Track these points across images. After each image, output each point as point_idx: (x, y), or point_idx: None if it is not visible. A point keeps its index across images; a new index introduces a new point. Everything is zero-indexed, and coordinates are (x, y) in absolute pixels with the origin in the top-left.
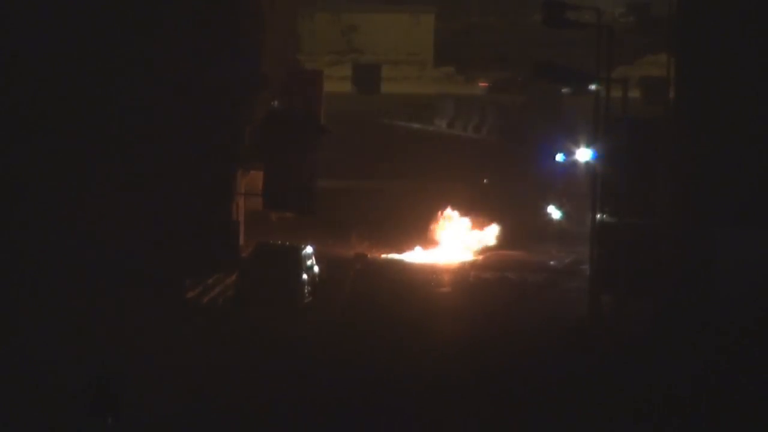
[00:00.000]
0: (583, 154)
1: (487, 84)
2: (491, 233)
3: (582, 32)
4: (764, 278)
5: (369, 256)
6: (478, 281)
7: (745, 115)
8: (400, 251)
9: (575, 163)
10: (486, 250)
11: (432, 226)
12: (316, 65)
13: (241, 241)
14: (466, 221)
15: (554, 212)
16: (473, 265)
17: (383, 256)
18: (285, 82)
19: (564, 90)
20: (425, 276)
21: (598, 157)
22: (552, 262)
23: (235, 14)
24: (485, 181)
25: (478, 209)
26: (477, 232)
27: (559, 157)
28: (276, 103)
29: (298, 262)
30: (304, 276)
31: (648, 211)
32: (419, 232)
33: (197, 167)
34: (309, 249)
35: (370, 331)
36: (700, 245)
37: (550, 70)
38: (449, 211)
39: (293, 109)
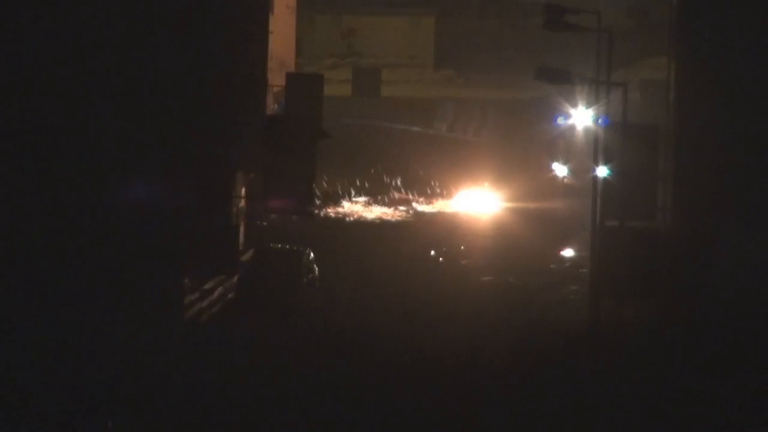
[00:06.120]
0: (581, 117)
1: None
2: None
3: (582, 35)
4: (765, 281)
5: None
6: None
7: (744, 117)
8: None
9: (574, 125)
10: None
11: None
12: (316, 68)
13: (241, 244)
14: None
15: (559, 169)
16: None
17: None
18: (285, 86)
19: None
20: None
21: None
22: (552, 266)
23: (236, 18)
24: (485, 184)
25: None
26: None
27: (560, 120)
28: (276, 106)
29: (298, 266)
30: (305, 279)
31: (649, 214)
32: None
33: (196, 170)
34: (309, 252)
35: None
36: (701, 248)
37: (548, 72)
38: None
39: (293, 112)
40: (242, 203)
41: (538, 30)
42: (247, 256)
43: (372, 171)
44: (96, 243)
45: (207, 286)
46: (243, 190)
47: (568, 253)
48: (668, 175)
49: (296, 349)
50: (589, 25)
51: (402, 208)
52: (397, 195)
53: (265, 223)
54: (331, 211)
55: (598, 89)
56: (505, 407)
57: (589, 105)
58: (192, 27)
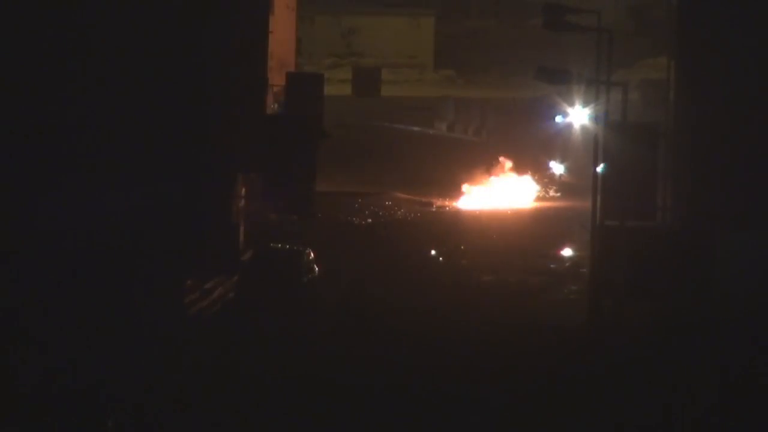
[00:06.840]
0: (578, 115)
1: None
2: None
3: (582, 35)
4: (765, 281)
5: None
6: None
7: (744, 117)
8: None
9: (571, 123)
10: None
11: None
12: (316, 68)
13: (241, 244)
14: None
15: (556, 167)
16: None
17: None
18: (285, 85)
19: None
20: None
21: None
22: (552, 265)
23: (237, 18)
24: (485, 183)
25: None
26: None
27: (558, 118)
28: (276, 105)
29: (298, 266)
30: (305, 279)
31: (649, 214)
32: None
33: (196, 170)
34: (309, 252)
35: None
36: (701, 248)
37: (548, 72)
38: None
39: (293, 112)
40: (242, 203)
41: (537, 30)
42: (247, 256)
43: (372, 170)
44: (96, 243)
45: (207, 286)
46: (243, 190)
47: (567, 252)
48: (668, 175)
49: (296, 348)
50: (589, 24)
51: (401, 207)
52: (396, 194)
53: (265, 223)
54: (331, 211)
55: (598, 89)
56: (504, 406)
57: (586, 104)
58: (192, 27)
